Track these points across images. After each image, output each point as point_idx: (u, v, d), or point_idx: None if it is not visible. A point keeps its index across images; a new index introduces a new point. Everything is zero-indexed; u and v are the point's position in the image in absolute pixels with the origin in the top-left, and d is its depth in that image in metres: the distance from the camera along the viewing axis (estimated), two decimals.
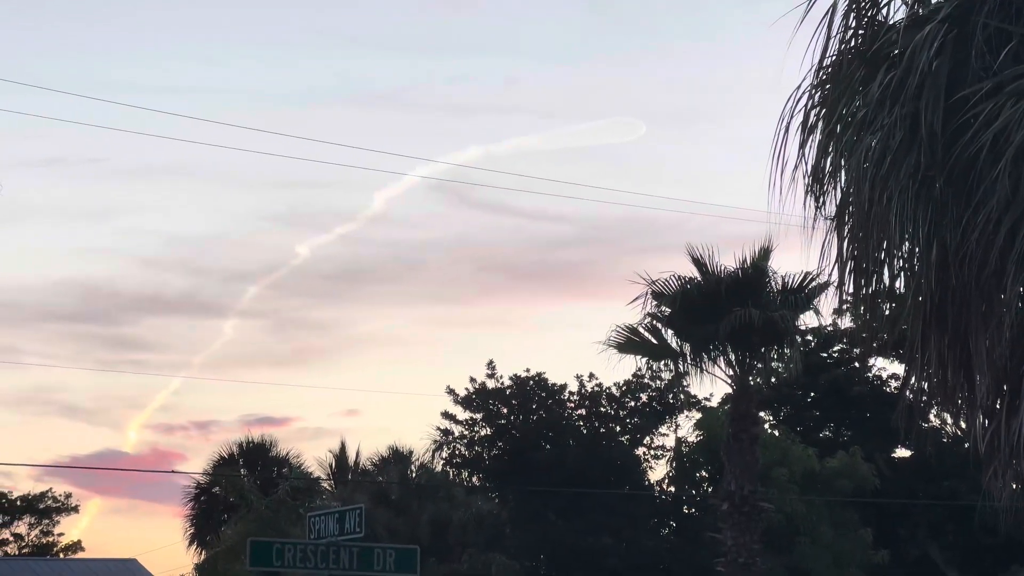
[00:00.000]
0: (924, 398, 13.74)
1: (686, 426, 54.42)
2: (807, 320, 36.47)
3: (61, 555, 67.23)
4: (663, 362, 35.52)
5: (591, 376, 54.45)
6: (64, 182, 67.50)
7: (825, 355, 56.21)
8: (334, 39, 64.17)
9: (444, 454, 52.66)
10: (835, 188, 13.00)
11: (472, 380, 53.84)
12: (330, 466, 47.44)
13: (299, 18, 64.34)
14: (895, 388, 52.41)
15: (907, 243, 12.59)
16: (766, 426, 50.12)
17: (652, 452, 55.57)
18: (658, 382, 53.55)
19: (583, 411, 54.49)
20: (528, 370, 54.15)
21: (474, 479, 53.23)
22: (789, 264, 34.69)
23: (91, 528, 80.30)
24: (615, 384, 54.58)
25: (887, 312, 13.74)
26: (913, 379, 13.47)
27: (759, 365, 35.55)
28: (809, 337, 53.89)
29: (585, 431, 53.95)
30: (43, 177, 66.14)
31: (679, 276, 33.99)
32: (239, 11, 63.24)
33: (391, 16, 64.19)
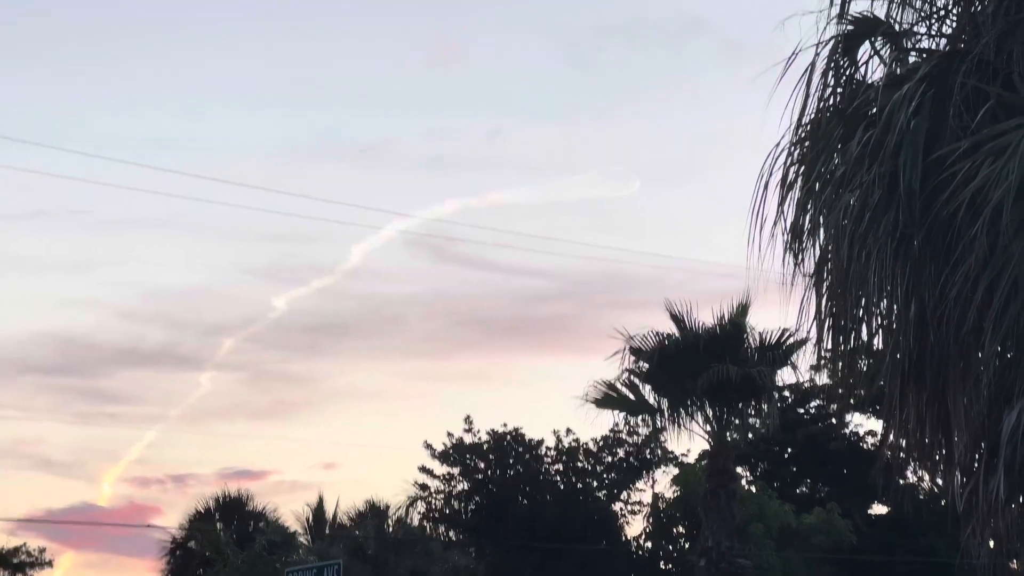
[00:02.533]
0: (902, 455, 13.75)
1: (663, 481, 54.30)
2: (784, 376, 36.52)
3: None
4: (640, 417, 35.52)
5: (568, 431, 54.33)
6: (45, 234, 67.40)
7: (802, 411, 56.21)
8: (314, 92, 64.34)
9: (421, 508, 52.45)
10: (814, 245, 13.04)
11: (449, 435, 53.71)
12: (307, 520, 47.19)
13: (280, 71, 64.48)
14: (872, 444, 52.43)
15: (885, 300, 12.63)
16: (743, 482, 50.07)
17: (629, 507, 55.41)
18: (636, 437, 53.47)
19: (560, 466, 54.33)
20: (505, 425, 54.05)
21: (451, 534, 52.99)
22: (767, 320, 34.76)
23: None
24: (592, 439, 54.46)
25: (865, 368, 13.77)
26: (891, 436, 13.48)
27: (736, 421, 35.55)
28: (786, 393, 53.92)
29: (562, 486, 53.79)
30: (25, 230, 66.01)
31: (657, 332, 34.03)
32: (220, 64, 63.38)
33: (372, 70, 64.36)
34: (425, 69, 64.11)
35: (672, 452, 53.97)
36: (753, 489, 49.84)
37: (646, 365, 34.16)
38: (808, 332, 13.34)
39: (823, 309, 12.94)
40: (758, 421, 39.31)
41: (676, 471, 52.74)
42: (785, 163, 13.23)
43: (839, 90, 13.23)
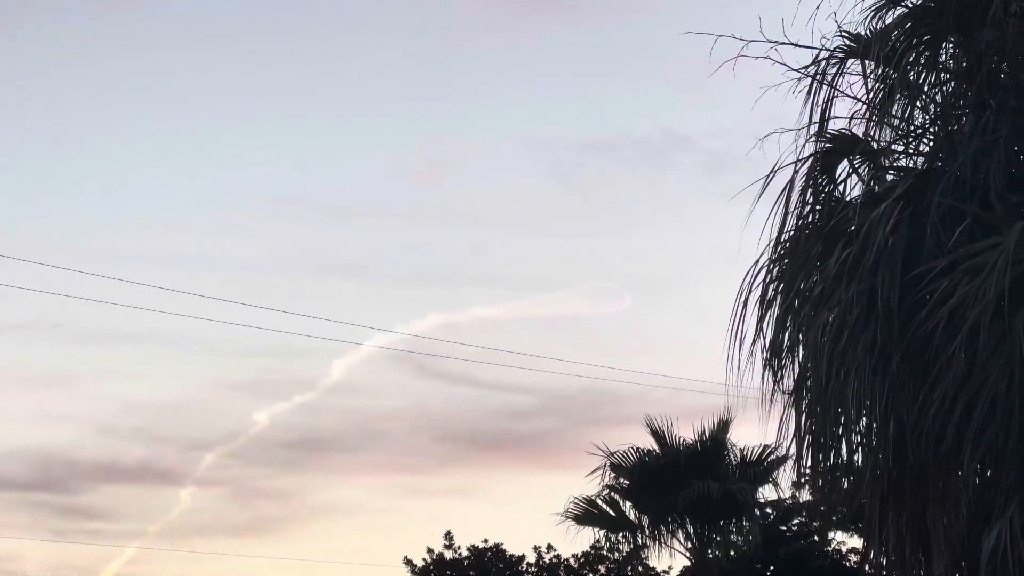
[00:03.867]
0: (883, 573, 13.67)
1: None
2: (766, 493, 36.37)
3: None
4: (621, 534, 35.29)
5: (549, 547, 53.98)
6: (25, 348, 67.15)
7: (784, 528, 55.89)
8: (296, 207, 64.60)
9: None
10: (793, 362, 13.04)
11: (430, 550, 53.33)
12: None
13: (261, 185, 64.72)
14: (855, 562, 52.19)
15: (864, 418, 12.60)
16: None
17: None
18: (617, 554, 53.13)
19: None
20: (486, 540, 53.68)
21: None
22: (748, 437, 34.62)
23: None
24: (574, 555, 54.11)
25: (846, 486, 13.73)
26: (872, 554, 13.42)
27: (718, 538, 35.33)
28: (768, 510, 53.68)
29: None
30: (4, 343, 65.81)
31: (638, 448, 33.89)
32: (201, 177, 63.65)
33: (354, 185, 64.62)
34: (408, 185, 64.40)
35: (654, 569, 53.64)
36: None
37: (627, 481, 33.99)
38: (788, 449, 13.32)
39: (803, 426, 12.91)
40: (740, 538, 39.09)
41: None
42: (764, 280, 13.26)
43: (818, 207, 13.29)
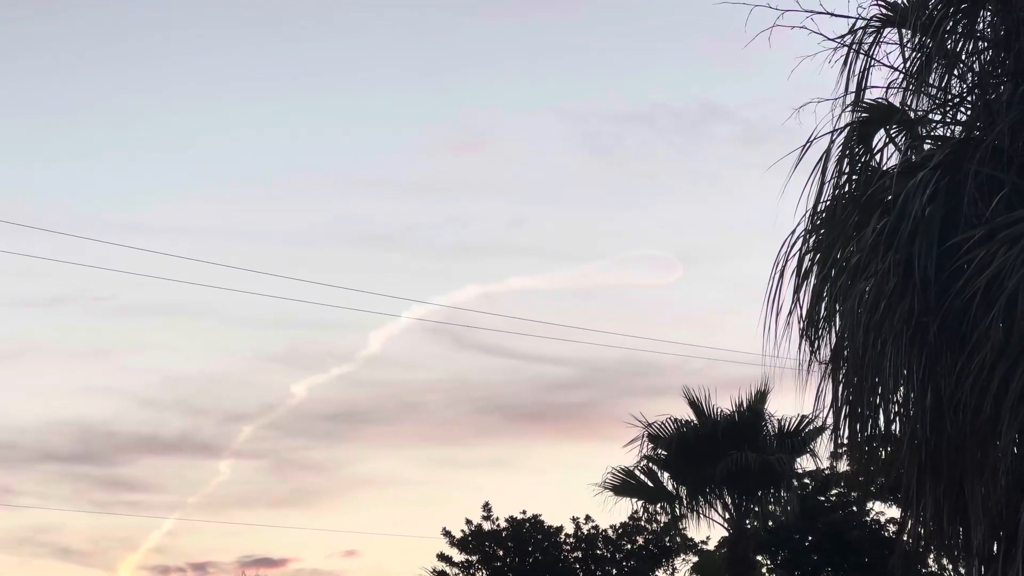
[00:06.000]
0: (921, 543, 13.66)
1: (683, 570, 53.93)
2: (804, 463, 36.33)
3: None
4: (659, 505, 35.35)
5: (587, 518, 54.08)
6: (66, 321, 67.50)
7: (822, 498, 55.83)
8: (334, 179, 64.68)
9: None
10: (830, 333, 13.02)
11: (468, 522, 53.50)
12: None
13: (300, 158, 64.83)
14: (893, 532, 52.12)
15: (902, 388, 12.57)
16: (763, 570, 49.74)
17: None
18: (655, 525, 53.19)
19: (579, 554, 54.03)
20: (524, 512, 53.81)
21: None
22: (785, 407, 34.61)
23: None
24: (612, 526, 54.20)
25: (883, 456, 13.71)
26: (910, 524, 13.40)
27: (756, 509, 35.35)
28: (806, 480, 53.66)
29: (582, 574, 53.47)
30: (46, 316, 66.19)
31: (675, 419, 33.91)
32: (238, 150, 63.80)
33: (392, 157, 64.65)
34: (445, 157, 64.46)
35: (692, 540, 53.69)
36: None
37: (664, 452, 34.03)
38: (826, 420, 13.31)
39: (840, 397, 12.89)
40: (778, 509, 39.11)
41: (696, 559, 52.40)
42: (801, 250, 13.23)
43: (854, 177, 13.26)
